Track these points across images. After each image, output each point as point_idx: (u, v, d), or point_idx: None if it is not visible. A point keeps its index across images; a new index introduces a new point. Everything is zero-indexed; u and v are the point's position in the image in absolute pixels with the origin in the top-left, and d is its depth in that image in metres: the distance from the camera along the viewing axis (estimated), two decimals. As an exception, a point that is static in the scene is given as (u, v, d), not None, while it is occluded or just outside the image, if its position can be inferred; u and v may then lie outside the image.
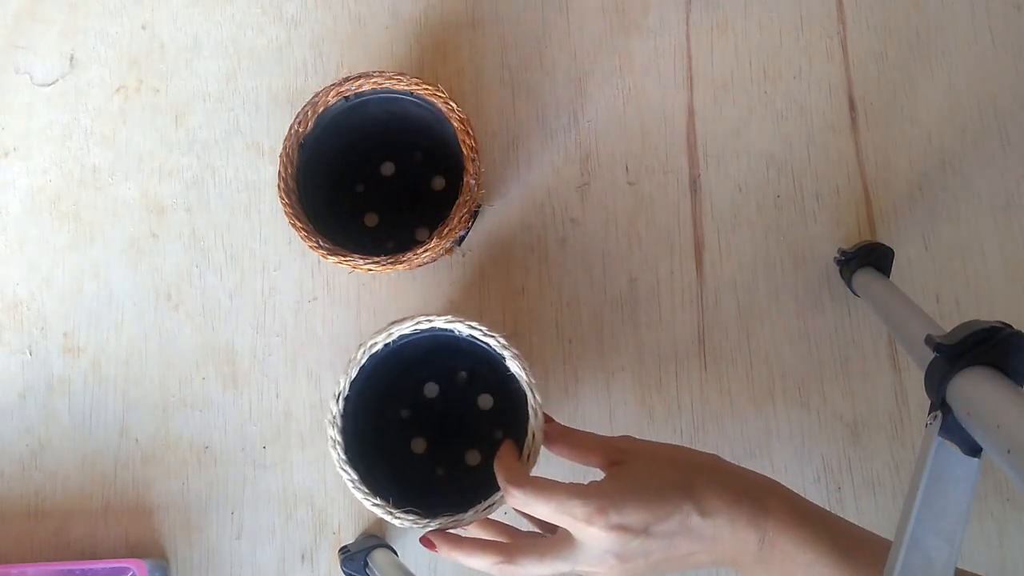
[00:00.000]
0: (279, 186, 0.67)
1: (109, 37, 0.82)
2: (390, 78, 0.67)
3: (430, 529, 0.53)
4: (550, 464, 0.71)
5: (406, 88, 0.68)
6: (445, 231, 0.65)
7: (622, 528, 0.45)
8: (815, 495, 0.72)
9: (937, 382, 0.42)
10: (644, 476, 0.48)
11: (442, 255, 0.74)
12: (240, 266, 0.77)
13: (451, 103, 0.67)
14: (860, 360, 0.74)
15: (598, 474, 0.53)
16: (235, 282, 0.77)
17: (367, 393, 0.68)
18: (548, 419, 0.59)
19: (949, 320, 0.73)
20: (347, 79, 0.68)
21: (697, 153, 0.77)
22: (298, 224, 0.66)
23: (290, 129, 0.68)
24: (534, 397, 0.58)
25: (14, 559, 0.72)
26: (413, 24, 0.81)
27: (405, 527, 0.62)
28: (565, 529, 0.48)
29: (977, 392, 0.40)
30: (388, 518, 0.62)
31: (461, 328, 0.63)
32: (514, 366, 0.61)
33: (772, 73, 0.78)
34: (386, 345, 0.65)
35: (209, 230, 0.78)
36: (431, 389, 0.73)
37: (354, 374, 0.64)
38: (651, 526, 0.45)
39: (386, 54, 0.80)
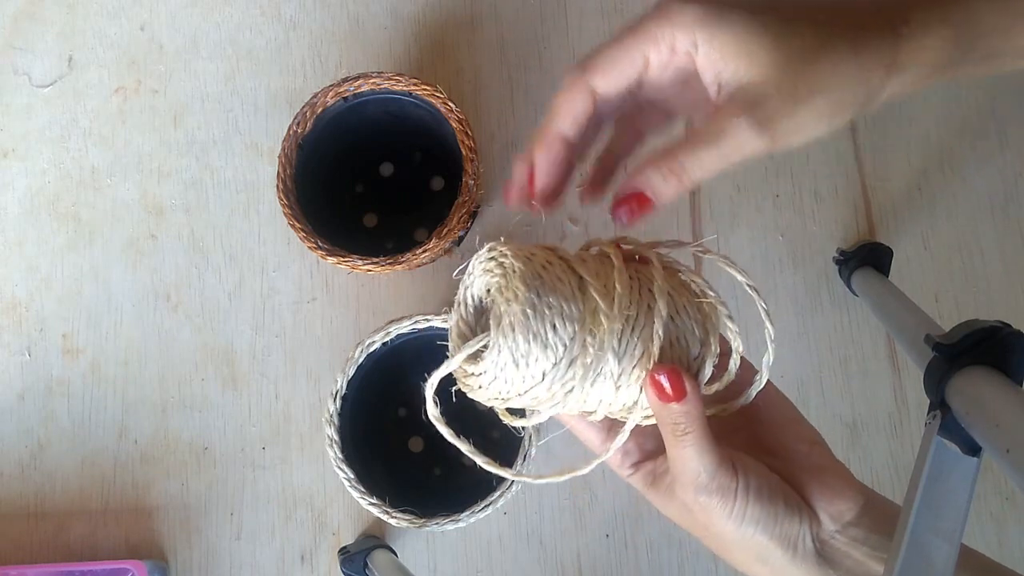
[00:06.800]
0: (278, 187, 0.67)
1: (108, 38, 0.82)
2: (389, 79, 0.67)
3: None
4: (547, 460, 0.71)
5: (405, 89, 0.68)
6: (444, 232, 0.65)
7: None
8: (815, 495, 0.71)
9: (936, 381, 0.42)
10: None
11: (441, 255, 0.74)
12: (239, 267, 0.77)
13: (450, 103, 0.67)
14: (859, 360, 0.74)
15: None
16: (234, 283, 0.77)
17: (365, 392, 0.68)
18: None
19: (948, 320, 0.73)
20: (346, 80, 0.68)
21: (696, 153, 0.77)
22: (297, 225, 0.66)
23: (289, 130, 0.68)
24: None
25: (13, 560, 0.72)
26: (412, 24, 0.81)
27: (402, 527, 0.62)
28: None
29: (976, 391, 0.40)
30: (385, 517, 0.62)
31: (460, 328, 0.63)
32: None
33: (771, 73, 0.78)
34: (384, 344, 0.65)
35: (208, 231, 0.78)
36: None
37: (352, 373, 0.65)
38: None
39: (385, 54, 0.80)
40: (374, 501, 0.62)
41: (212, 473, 0.74)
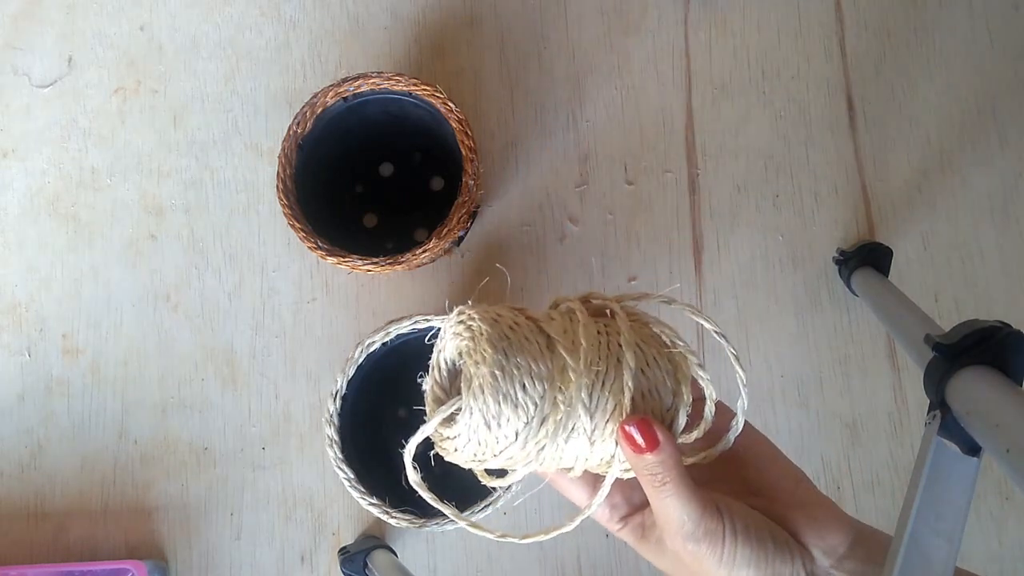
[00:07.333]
0: (278, 187, 0.67)
1: (108, 38, 0.82)
2: (388, 79, 0.67)
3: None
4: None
5: (405, 89, 0.67)
6: (444, 232, 0.65)
7: None
8: (815, 495, 0.71)
9: (936, 381, 0.42)
10: None
11: (441, 255, 0.74)
12: (239, 267, 0.77)
13: (449, 103, 0.67)
14: (859, 360, 0.74)
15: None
16: (234, 283, 0.77)
17: (365, 392, 0.68)
18: None
19: (948, 320, 0.73)
20: (346, 80, 0.68)
21: (696, 153, 0.77)
22: (297, 225, 0.66)
23: (289, 130, 0.68)
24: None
25: (13, 561, 0.72)
26: (411, 24, 0.81)
27: (402, 527, 0.62)
28: None
29: (976, 391, 0.40)
30: (385, 518, 0.62)
31: (460, 328, 0.63)
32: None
33: (770, 73, 0.78)
34: (384, 344, 0.65)
35: (208, 231, 0.78)
36: (430, 389, 0.73)
37: (352, 373, 0.64)
38: None
39: (384, 55, 0.80)
40: (374, 501, 0.62)
41: (212, 473, 0.74)
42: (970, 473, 0.39)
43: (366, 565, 0.65)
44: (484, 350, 0.33)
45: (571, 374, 0.34)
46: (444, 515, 0.61)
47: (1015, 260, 0.74)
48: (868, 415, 0.73)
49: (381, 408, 0.72)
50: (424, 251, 0.65)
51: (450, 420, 0.35)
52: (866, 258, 0.70)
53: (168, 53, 0.81)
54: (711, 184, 0.77)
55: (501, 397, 0.33)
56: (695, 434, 0.37)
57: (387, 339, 0.64)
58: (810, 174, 0.77)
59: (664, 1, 0.80)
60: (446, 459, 0.36)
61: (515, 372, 0.33)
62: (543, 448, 0.34)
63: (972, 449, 0.39)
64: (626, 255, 0.76)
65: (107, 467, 0.74)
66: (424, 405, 0.36)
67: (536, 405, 0.33)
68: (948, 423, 0.40)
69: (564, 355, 0.34)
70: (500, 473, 0.37)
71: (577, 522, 0.36)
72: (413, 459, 0.36)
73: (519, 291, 0.76)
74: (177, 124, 0.80)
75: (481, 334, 0.34)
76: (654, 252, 0.76)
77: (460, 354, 0.35)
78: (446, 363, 0.36)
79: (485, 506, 0.61)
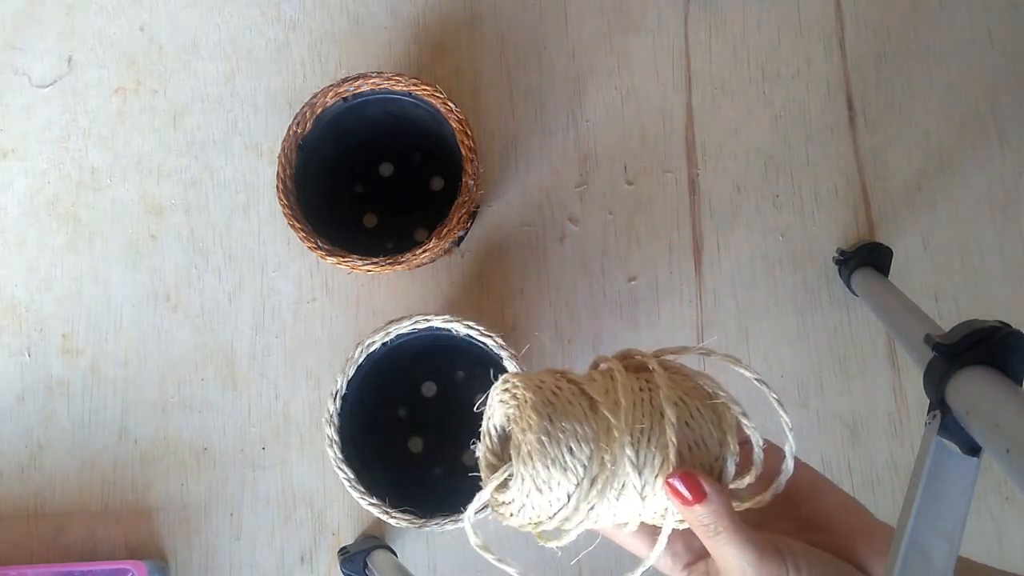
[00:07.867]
0: (278, 187, 0.67)
1: (107, 38, 0.82)
2: (388, 79, 0.67)
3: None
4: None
5: (405, 89, 0.67)
6: (444, 232, 0.65)
7: None
8: (815, 495, 0.71)
9: (936, 381, 0.42)
10: None
11: (441, 255, 0.74)
12: (239, 267, 0.77)
13: (449, 103, 0.67)
14: (859, 360, 0.74)
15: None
16: (234, 283, 0.77)
17: (365, 392, 0.68)
18: None
19: (948, 319, 0.73)
20: (345, 80, 0.68)
21: (695, 153, 0.77)
22: (297, 225, 0.66)
23: (289, 130, 0.68)
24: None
25: (13, 561, 0.72)
26: (411, 24, 0.81)
27: (402, 527, 0.62)
28: None
29: (976, 391, 0.40)
30: (385, 517, 0.62)
31: (459, 328, 0.63)
32: (511, 366, 0.61)
33: (770, 73, 0.78)
34: (384, 344, 0.65)
35: (208, 231, 0.78)
36: (429, 388, 0.73)
37: (352, 373, 0.64)
38: None
39: (384, 55, 0.80)
40: (374, 501, 0.62)
41: (212, 473, 0.74)
42: (970, 473, 0.39)
43: (366, 565, 0.65)
44: (529, 417, 0.34)
45: (616, 433, 0.34)
46: (444, 515, 0.61)
47: (1015, 260, 0.74)
48: (868, 415, 0.73)
49: (381, 408, 0.72)
50: (424, 251, 0.65)
51: (504, 486, 0.36)
52: (866, 258, 0.70)
53: (168, 53, 0.81)
54: (711, 184, 0.77)
55: (549, 462, 0.34)
56: (747, 479, 0.37)
57: (387, 339, 0.64)
58: (810, 174, 0.77)
59: (664, 1, 0.80)
60: (504, 524, 0.37)
61: (561, 436, 0.34)
62: (592, 507, 0.35)
63: (972, 449, 0.39)
64: (626, 255, 0.76)
65: (107, 467, 0.74)
66: (479, 471, 0.37)
67: (585, 467, 0.34)
68: (948, 423, 0.40)
69: (607, 415, 0.35)
70: (557, 534, 0.37)
71: (638, 573, 0.37)
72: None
73: (519, 291, 0.76)
74: (177, 124, 0.80)
75: (526, 402, 0.35)
76: (654, 252, 0.76)
77: (508, 420, 0.36)
78: (496, 429, 0.38)
79: (483, 506, 0.61)
